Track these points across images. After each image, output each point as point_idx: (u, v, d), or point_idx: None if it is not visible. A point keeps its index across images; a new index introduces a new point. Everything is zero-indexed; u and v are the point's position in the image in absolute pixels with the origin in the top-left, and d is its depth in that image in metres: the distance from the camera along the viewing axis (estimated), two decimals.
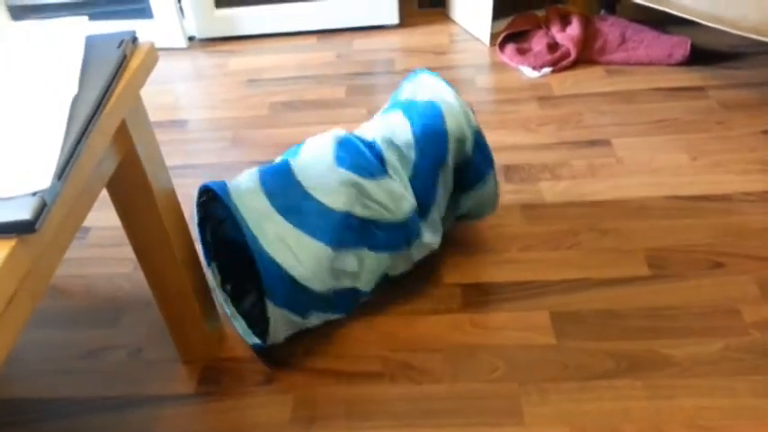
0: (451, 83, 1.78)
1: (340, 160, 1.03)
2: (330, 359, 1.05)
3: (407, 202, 1.03)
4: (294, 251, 0.97)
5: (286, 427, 0.96)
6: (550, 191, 1.36)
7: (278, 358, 1.06)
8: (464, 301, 1.12)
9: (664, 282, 1.13)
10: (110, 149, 0.78)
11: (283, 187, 1.02)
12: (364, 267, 1.02)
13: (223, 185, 1.01)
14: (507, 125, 1.59)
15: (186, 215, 1.36)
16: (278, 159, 1.12)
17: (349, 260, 1.01)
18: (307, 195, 1.01)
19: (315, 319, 1.02)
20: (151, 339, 1.11)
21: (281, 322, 0.97)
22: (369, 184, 1.01)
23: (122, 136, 0.80)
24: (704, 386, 0.95)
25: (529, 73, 1.78)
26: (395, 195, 1.02)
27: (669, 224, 1.25)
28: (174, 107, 1.79)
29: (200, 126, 1.69)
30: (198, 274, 1.01)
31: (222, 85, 1.88)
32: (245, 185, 1.02)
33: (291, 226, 0.98)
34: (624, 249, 1.20)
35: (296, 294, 0.96)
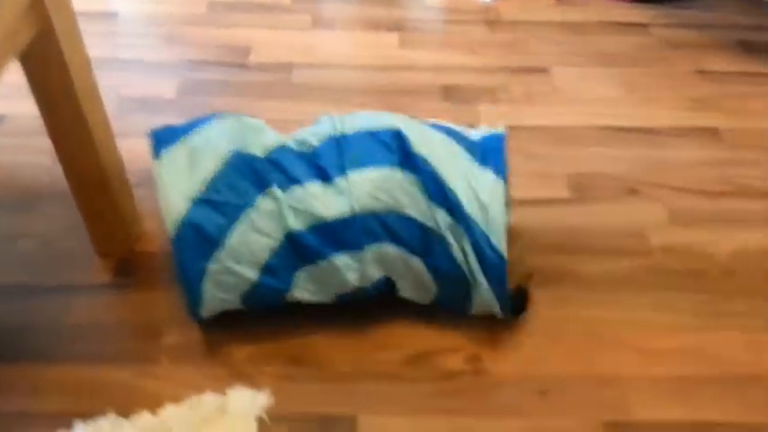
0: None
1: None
2: None
3: None
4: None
5: (200, 321, 0.97)
6: (488, 114, 1.37)
7: None
8: None
9: (581, 205, 1.17)
10: (23, 19, 0.74)
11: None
12: None
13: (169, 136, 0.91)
14: (452, 46, 1.58)
15: (111, 109, 1.32)
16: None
17: None
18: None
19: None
20: (67, 231, 1.09)
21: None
22: None
23: (37, 6, 0.76)
24: (605, 300, 1.00)
25: None
26: None
27: (595, 152, 1.28)
28: None
29: (131, 20, 1.62)
30: (116, 165, 0.99)
31: None
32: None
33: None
34: (548, 173, 1.23)
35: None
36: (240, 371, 0.91)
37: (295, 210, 0.87)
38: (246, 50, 1.54)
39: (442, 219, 0.88)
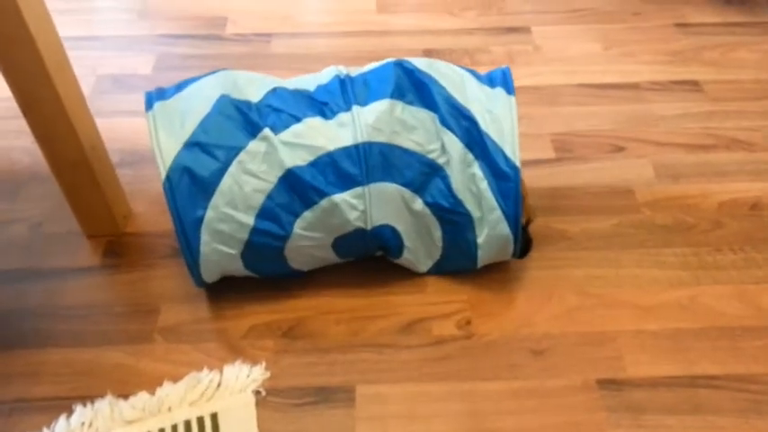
0: None
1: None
2: None
3: None
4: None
5: (194, 298, 0.96)
6: None
7: None
8: None
9: (567, 164, 1.17)
10: None
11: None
12: None
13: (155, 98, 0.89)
14: (430, 9, 1.56)
15: (88, 89, 1.30)
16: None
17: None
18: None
19: None
20: (53, 213, 1.08)
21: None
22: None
23: None
24: (594, 258, 1.01)
25: None
26: None
27: (577, 110, 1.28)
28: None
29: None
30: (95, 144, 0.97)
31: None
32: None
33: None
34: (532, 134, 1.23)
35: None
36: (236, 346, 0.91)
37: (293, 146, 0.85)
38: (223, 21, 1.50)
39: (451, 145, 0.88)
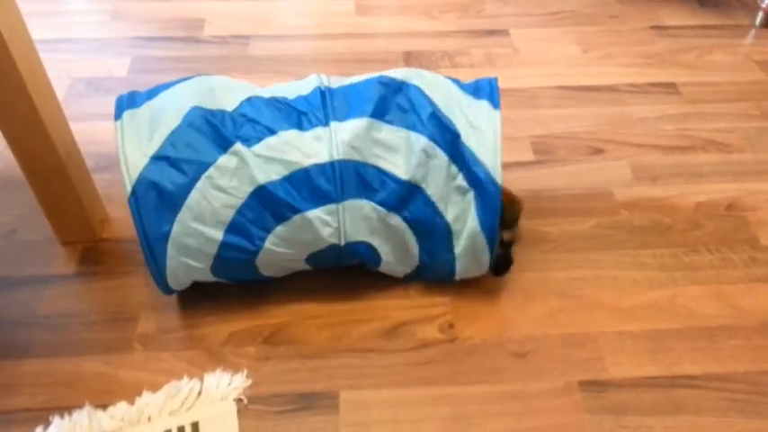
0: None
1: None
2: None
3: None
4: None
5: (173, 305, 0.95)
6: None
7: None
8: None
9: (547, 166, 1.17)
10: None
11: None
12: None
13: (126, 102, 0.87)
14: (409, 11, 1.56)
15: (63, 92, 1.28)
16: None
17: None
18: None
19: None
20: (26, 220, 1.06)
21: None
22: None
23: None
24: (574, 260, 1.02)
25: None
26: None
27: (557, 113, 1.29)
28: None
29: None
30: (70, 149, 0.95)
31: None
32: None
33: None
34: (513, 136, 1.23)
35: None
36: (216, 354, 0.90)
37: (267, 159, 0.83)
38: (200, 23, 1.49)
39: (435, 158, 0.87)
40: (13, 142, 0.89)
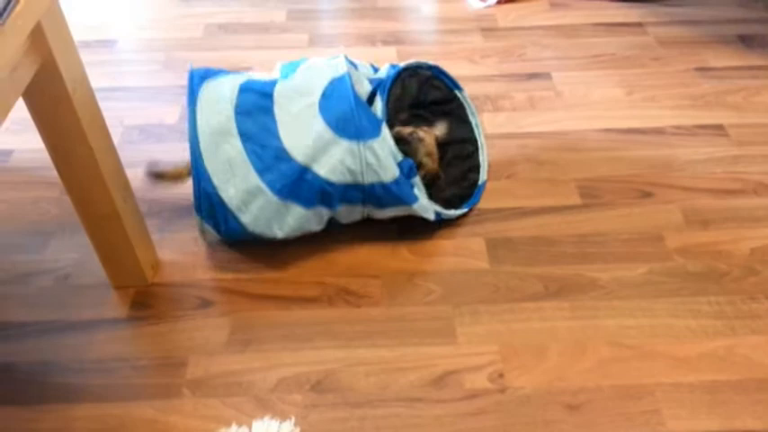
0: (396, 12, 1.74)
1: (325, 112, 1.02)
2: (268, 285, 1.05)
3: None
4: (236, 181, 0.97)
5: (222, 350, 0.96)
6: (491, 122, 1.37)
7: (215, 284, 1.05)
8: (402, 229, 1.13)
9: (594, 210, 1.16)
10: (25, 55, 0.73)
11: (257, 110, 1.02)
12: (300, 224, 1.02)
13: (203, 76, 1.05)
14: (451, 56, 1.58)
15: (116, 139, 1.31)
16: (276, 71, 1.15)
17: (293, 213, 1.00)
18: (274, 133, 1.00)
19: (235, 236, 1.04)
20: (80, 265, 1.08)
21: (204, 230, 1.03)
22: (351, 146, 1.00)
23: (38, 41, 0.75)
24: (626, 307, 1.00)
25: (474, 4, 1.76)
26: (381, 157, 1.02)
27: (602, 156, 1.28)
28: (102, 26, 1.69)
29: (129, 47, 1.61)
30: (126, 196, 0.97)
31: (154, 3, 1.78)
32: (220, 92, 1.03)
33: (245, 156, 0.98)
34: (558, 180, 1.22)
35: (223, 213, 0.99)
36: (264, 400, 0.90)
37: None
38: (245, 72, 1.52)
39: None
40: (72, 189, 0.92)
